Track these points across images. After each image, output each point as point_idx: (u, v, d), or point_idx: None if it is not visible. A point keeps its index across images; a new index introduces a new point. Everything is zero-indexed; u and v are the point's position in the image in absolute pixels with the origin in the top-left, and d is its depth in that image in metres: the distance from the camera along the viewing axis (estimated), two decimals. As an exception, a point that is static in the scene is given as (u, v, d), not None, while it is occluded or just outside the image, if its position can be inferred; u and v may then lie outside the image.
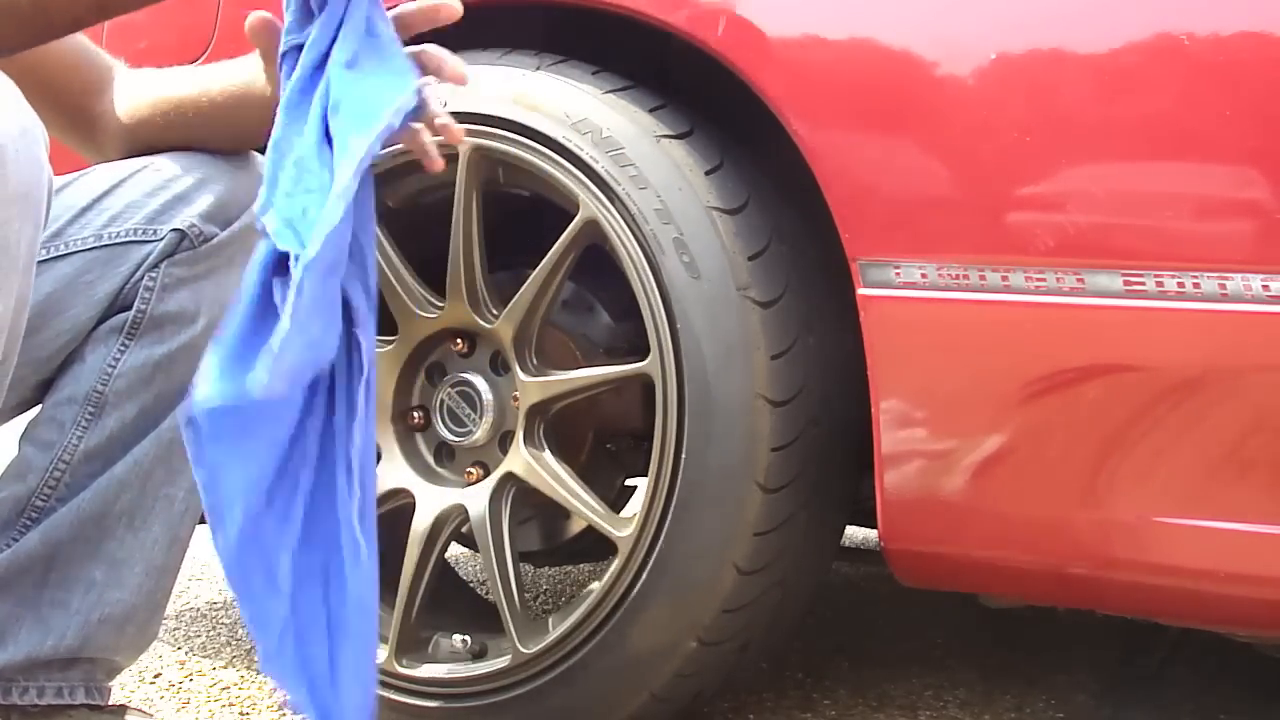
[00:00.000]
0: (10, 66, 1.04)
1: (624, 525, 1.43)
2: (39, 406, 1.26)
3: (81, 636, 1.22)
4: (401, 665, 1.54)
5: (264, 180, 0.92)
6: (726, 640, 1.44)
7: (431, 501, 1.57)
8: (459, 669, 1.53)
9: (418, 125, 1.06)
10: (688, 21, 1.38)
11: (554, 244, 1.46)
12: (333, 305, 0.92)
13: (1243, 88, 1.16)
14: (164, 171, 1.25)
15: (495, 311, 1.52)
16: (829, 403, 1.42)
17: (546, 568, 2.39)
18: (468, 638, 1.56)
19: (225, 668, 1.92)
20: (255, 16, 1.04)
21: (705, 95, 1.48)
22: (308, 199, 0.90)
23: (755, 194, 1.43)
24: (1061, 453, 1.24)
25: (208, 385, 0.87)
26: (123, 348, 1.22)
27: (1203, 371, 1.20)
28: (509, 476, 1.52)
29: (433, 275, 1.55)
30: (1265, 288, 1.14)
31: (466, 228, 1.51)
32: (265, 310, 0.90)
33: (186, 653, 2.00)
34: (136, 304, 1.22)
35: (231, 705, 1.75)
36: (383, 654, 1.55)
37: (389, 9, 1.01)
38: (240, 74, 1.24)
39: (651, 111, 1.45)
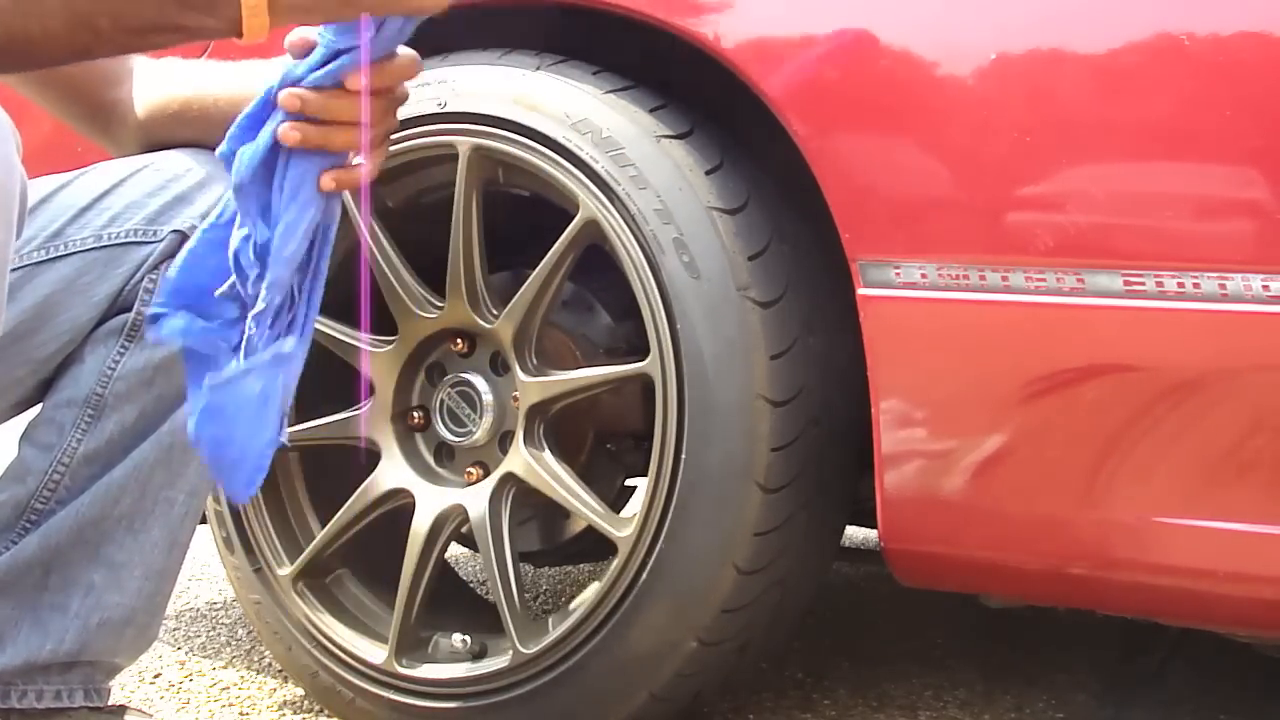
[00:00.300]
0: None
1: (624, 525, 1.43)
2: (38, 407, 1.25)
3: (80, 640, 1.21)
4: (401, 665, 1.54)
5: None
6: (726, 640, 1.44)
7: (431, 501, 1.57)
8: (459, 669, 1.53)
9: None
10: (688, 22, 1.38)
11: (554, 244, 1.46)
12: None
13: (1243, 88, 1.16)
14: (165, 171, 1.24)
15: (495, 311, 1.52)
16: (829, 403, 1.42)
17: (546, 568, 2.39)
18: (468, 638, 1.56)
19: (225, 668, 1.92)
20: (296, 34, 1.05)
21: (705, 95, 1.48)
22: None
23: (755, 194, 1.43)
24: (1062, 453, 1.24)
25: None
26: (122, 350, 1.22)
27: (1203, 371, 1.20)
28: (509, 477, 1.52)
29: (433, 275, 1.55)
30: (1265, 288, 1.14)
31: (466, 228, 1.50)
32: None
33: (186, 653, 2.00)
34: (136, 305, 1.22)
35: (231, 705, 1.75)
36: (383, 654, 1.55)
37: None
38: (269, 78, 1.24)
39: (651, 111, 1.45)
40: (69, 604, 1.21)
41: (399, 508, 1.59)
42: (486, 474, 1.55)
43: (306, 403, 1.68)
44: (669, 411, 1.39)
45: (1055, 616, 1.87)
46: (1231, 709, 1.66)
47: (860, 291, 1.29)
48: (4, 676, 1.20)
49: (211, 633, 2.12)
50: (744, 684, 1.70)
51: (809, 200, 1.34)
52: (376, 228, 1.55)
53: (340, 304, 1.63)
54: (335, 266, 1.64)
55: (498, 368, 1.57)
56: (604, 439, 1.65)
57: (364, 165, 1.06)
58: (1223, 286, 1.15)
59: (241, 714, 1.72)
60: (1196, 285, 1.16)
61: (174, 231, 1.22)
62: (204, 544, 1.70)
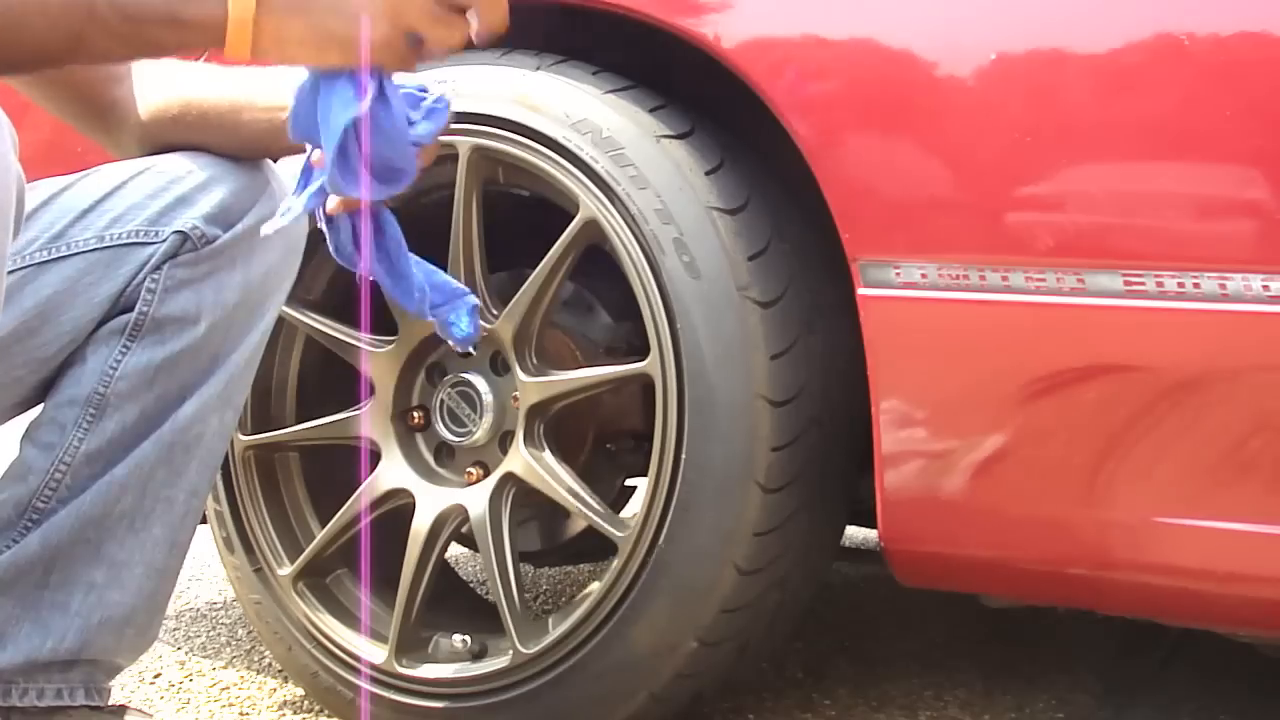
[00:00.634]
0: None
1: (624, 525, 1.43)
2: (40, 407, 1.26)
3: (81, 638, 1.21)
4: (401, 665, 1.54)
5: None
6: (726, 640, 1.44)
7: (431, 501, 1.57)
8: (459, 669, 1.53)
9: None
10: (688, 22, 1.38)
11: (554, 244, 1.46)
12: None
13: (1243, 88, 1.16)
14: (167, 173, 1.24)
15: (495, 311, 1.52)
16: (829, 403, 1.42)
17: (546, 568, 2.39)
18: (468, 638, 1.56)
19: (225, 668, 1.92)
20: None
21: (705, 95, 1.48)
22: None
23: (755, 194, 1.43)
24: (1062, 453, 1.24)
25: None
26: (124, 349, 1.22)
27: (1203, 371, 1.20)
28: (509, 477, 1.52)
29: (433, 275, 1.55)
30: (1265, 288, 1.14)
31: (466, 228, 1.51)
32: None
33: (186, 653, 2.00)
34: (138, 306, 1.22)
35: (231, 705, 1.75)
36: (383, 654, 1.56)
37: None
38: (276, 92, 1.25)
39: (651, 111, 1.45)
40: (70, 602, 1.21)
41: (399, 508, 1.60)
42: (486, 474, 1.55)
43: (307, 403, 1.68)
44: (669, 411, 1.39)
45: (1055, 616, 1.87)
46: (1231, 709, 1.66)
47: (860, 291, 1.29)
48: (5, 675, 1.20)
49: (211, 633, 2.12)
50: (744, 684, 1.70)
51: (809, 200, 1.34)
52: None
53: (340, 304, 1.63)
54: (335, 266, 1.66)
55: (498, 368, 1.57)
56: (604, 439, 1.65)
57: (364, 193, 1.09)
58: (1223, 286, 1.15)
59: (241, 714, 1.72)
60: (1196, 285, 1.16)
61: (175, 232, 1.22)
62: (204, 544, 1.70)
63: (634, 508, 1.46)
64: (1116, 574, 1.27)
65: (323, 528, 1.63)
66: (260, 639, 1.84)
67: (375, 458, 1.61)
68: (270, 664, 1.92)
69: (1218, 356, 1.18)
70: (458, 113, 1.49)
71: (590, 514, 1.47)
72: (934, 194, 1.28)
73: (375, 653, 1.57)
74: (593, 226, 1.43)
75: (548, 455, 1.50)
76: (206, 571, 2.52)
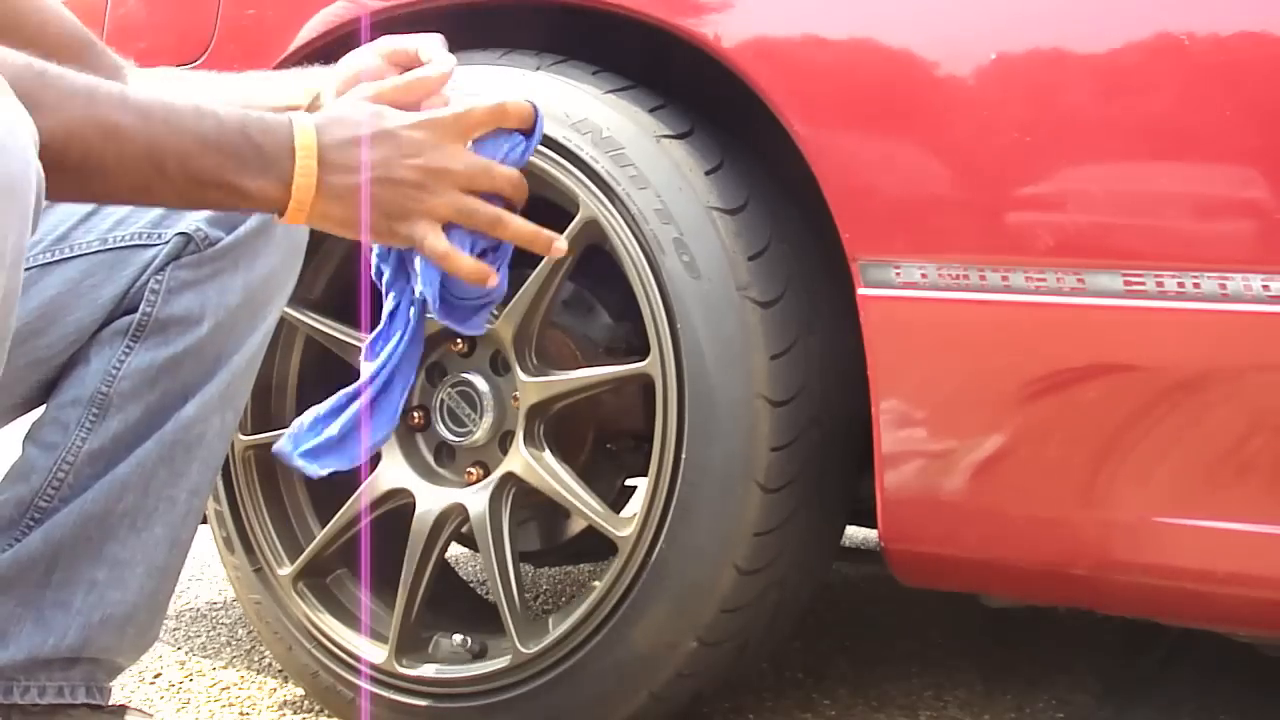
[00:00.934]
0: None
1: (624, 525, 1.43)
2: (43, 408, 1.26)
3: (82, 637, 1.22)
4: (401, 665, 1.54)
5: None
6: (726, 640, 1.44)
7: (431, 501, 1.57)
8: (459, 669, 1.53)
9: None
10: (688, 22, 1.38)
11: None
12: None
13: (1243, 88, 1.16)
14: None
15: (495, 311, 1.52)
16: (829, 403, 1.42)
17: (546, 568, 2.39)
18: (468, 638, 1.56)
19: (225, 668, 1.92)
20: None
21: (705, 95, 1.48)
22: None
23: (755, 194, 1.43)
24: (1062, 453, 1.24)
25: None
26: (127, 350, 1.22)
27: (1203, 371, 1.20)
28: (509, 476, 1.52)
29: (433, 275, 1.55)
30: (1265, 288, 1.14)
31: (467, 228, 1.50)
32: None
33: (186, 653, 2.00)
34: (142, 307, 1.22)
35: (231, 705, 1.75)
36: (383, 654, 1.56)
37: None
38: (275, 93, 1.26)
39: (651, 111, 1.45)
40: (72, 601, 1.21)
41: (399, 508, 1.60)
42: (487, 474, 1.55)
43: (307, 402, 1.68)
44: (669, 411, 1.39)
45: (1055, 616, 1.87)
46: (1231, 709, 1.66)
47: (860, 291, 1.29)
48: (6, 672, 1.20)
49: (211, 633, 2.12)
50: (744, 684, 1.71)
51: (809, 200, 1.34)
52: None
53: (340, 304, 1.63)
54: (336, 266, 1.66)
55: (498, 367, 1.57)
56: (604, 439, 1.65)
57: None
58: (1223, 286, 1.15)
59: (241, 714, 1.72)
60: (1196, 285, 1.16)
61: (179, 234, 1.22)
62: (204, 544, 1.70)
63: (634, 508, 1.45)
64: (1116, 574, 1.27)
65: (323, 528, 1.63)
66: (260, 639, 1.84)
67: (375, 457, 1.61)
68: (270, 664, 1.92)
69: (1218, 356, 1.18)
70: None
71: (590, 514, 1.47)
72: (934, 194, 1.28)
73: (375, 653, 1.57)
74: (593, 226, 1.43)
75: (548, 455, 1.50)
76: (206, 571, 2.52)
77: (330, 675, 1.61)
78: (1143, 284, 1.18)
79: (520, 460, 1.50)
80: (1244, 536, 1.20)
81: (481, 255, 1.16)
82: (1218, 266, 1.16)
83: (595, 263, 1.49)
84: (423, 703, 1.54)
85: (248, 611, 1.71)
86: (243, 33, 1.69)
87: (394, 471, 1.60)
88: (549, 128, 1.45)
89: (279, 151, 1.06)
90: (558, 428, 1.53)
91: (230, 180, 1.05)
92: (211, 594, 2.39)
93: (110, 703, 1.27)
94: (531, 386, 1.50)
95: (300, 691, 1.76)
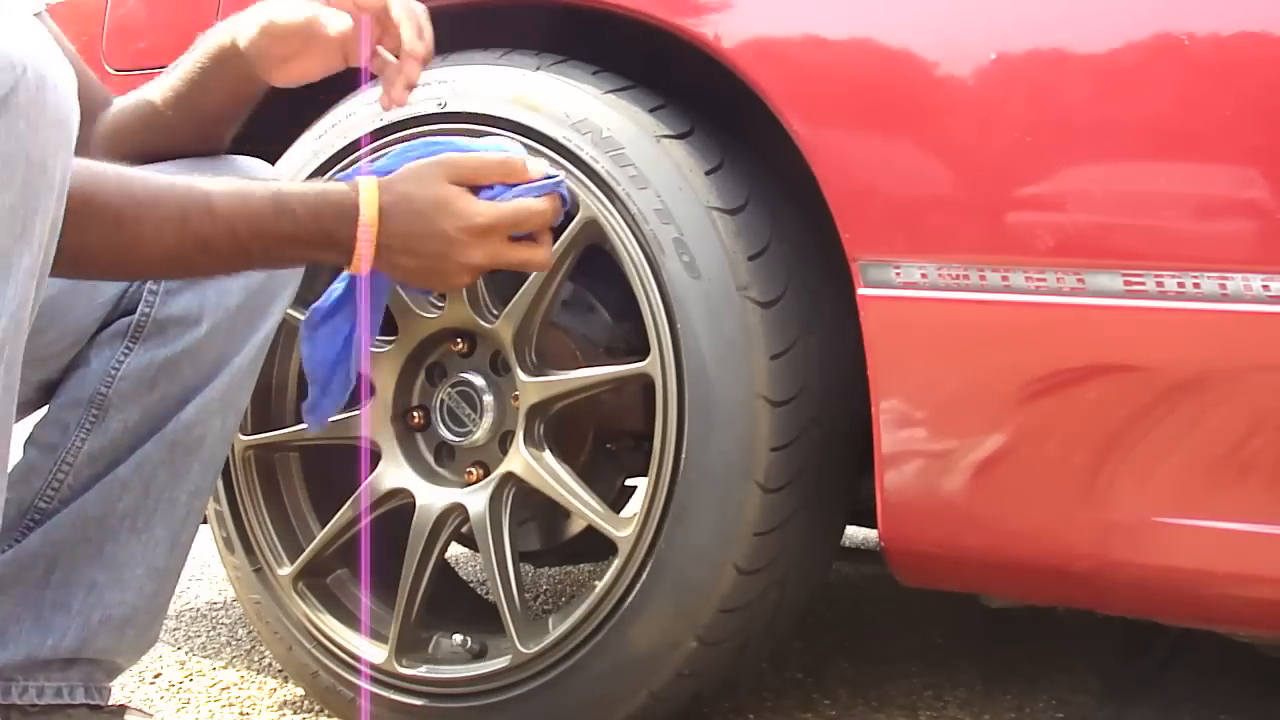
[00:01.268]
0: None
1: (624, 525, 1.43)
2: (43, 409, 1.26)
3: (81, 637, 1.22)
4: (401, 665, 1.54)
5: None
6: (726, 640, 1.44)
7: (431, 501, 1.57)
8: (459, 669, 1.53)
9: None
10: (688, 22, 1.38)
11: (554, 244, 1.46)
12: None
13: (1243, 88, 1.16)
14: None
15: (495, 311, 1.52)
16: (829, 403, 1.42)
17: (546, 568, 2.39)
18: (468, 638, 1.56)
19: (225, 668, 1.92)
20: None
21: (705, 95, 1.48)
22: None
23: (755, 194, 1.43)
24: (1061, 453, 1.24)
25: None
26: (126, 351, 1.22)
27: (1203, 371, 1.19)
28: (509, 476, 1.52)
29: (433, 275, 1.55)
30: (1265, 288, 1.14)
31: (466, 228, 1.50)
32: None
33: (186, 653, 2.00)
34: (140, 308, 1.23)
35: (231, 705, 1.75)
36: (383, 654, 1.56)
37: None
38: (209, 45, 1.30)
39: (651, 111, 1.45)
40: (71, 601, 1.22)
41: (399, 508, 1.60)
42: (486, 474, 1.55)
43: (307, 403, 1.68)
44: (669, 411, 1.39)
45: (1055, 616, 1.87)
46: (1231, 709, 1.66)
47: (860, 291, 1.29)
48: (5, 672, 1.20)
49: (211, 633, 2.12)
50: (744, 684, 1.70)
51: (809, 200, 1.34)
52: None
53: (340, 304, 1.63)
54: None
55: (498, 368, 1.57)
56: (604, 439, 1.65)
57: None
58: (1223, 286, 1.15)
59: (241, 714, 1.72)
60: (1196, 285, 1.16)
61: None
62: (204, 544, 1.70)
63: (634, 508, 1.45)
64: (1116, 574, 1.27)
65: (323, 528, 1.63)
66: (260, 639, 1.84)
67: (375, 458, 1.61)
68: (270, 664, 1.92)
69: (1218, 356, 1.18)
70: (458, 113, 1.50)
71: (590, 514, 1.47)
72: (934, 194, 1.28)
73: (375, 653, 1.57)
74: (593, 226, 1.43)
75: (548, 455, 1.50)
76: (206, 571, 2.52)
77: (330, 675, 1.61)
78: (1143, 284, 1.18)
79: (520, 460, 1.50)
80: (1244, 536, 1.20)
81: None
82: (1218, 266, 1.15)
83: (595, 263, 1.49)
84: (422, 703, 1.54)
85: (248, 611, 1.71)
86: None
87: (394, 471, 1.60)
88: (549, 128, 1.45)
89: (347, 232, 1.17)
90: (558, 428, 1.53)
91: (304, 258, 1.21)
92: (211, 594, 2.39)
93: (110, 703, 1.27)
94: (531, 386, 1.50)
95: (300, 691, 1.76)
